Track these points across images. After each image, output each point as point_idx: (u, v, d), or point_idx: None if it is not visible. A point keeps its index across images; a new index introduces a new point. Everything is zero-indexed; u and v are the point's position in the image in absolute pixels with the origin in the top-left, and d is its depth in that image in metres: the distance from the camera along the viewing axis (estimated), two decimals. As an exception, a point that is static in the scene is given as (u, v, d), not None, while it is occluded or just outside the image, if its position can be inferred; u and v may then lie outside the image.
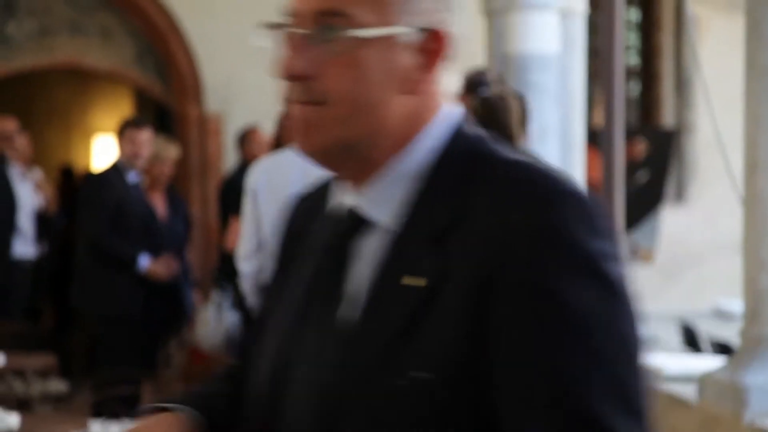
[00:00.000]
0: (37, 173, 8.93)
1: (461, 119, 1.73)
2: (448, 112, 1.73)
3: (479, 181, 1.63)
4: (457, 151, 1.68)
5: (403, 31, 1.67)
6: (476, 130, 1.72)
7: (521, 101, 5.47)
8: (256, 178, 5.26)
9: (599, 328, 1.54)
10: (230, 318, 7.75)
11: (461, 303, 1.56)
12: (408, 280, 1.60)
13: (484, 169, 1.64)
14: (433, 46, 1.70)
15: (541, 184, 1.60)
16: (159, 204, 7.98)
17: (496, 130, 5.22)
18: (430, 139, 1.70)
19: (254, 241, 5.24)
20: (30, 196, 8.80)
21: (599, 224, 1.58)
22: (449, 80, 1.75)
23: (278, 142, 6.96)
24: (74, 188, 12.70)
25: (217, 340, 7.66)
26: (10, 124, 8.82)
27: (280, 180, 5.16)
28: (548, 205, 1.56)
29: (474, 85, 6.25)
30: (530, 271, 1.53)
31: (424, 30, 1.69)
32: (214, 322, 7.52)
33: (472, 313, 1.55)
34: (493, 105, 5.43)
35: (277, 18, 1.83)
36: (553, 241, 1.54)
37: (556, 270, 1.53)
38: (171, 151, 7.93)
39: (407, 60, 1.68)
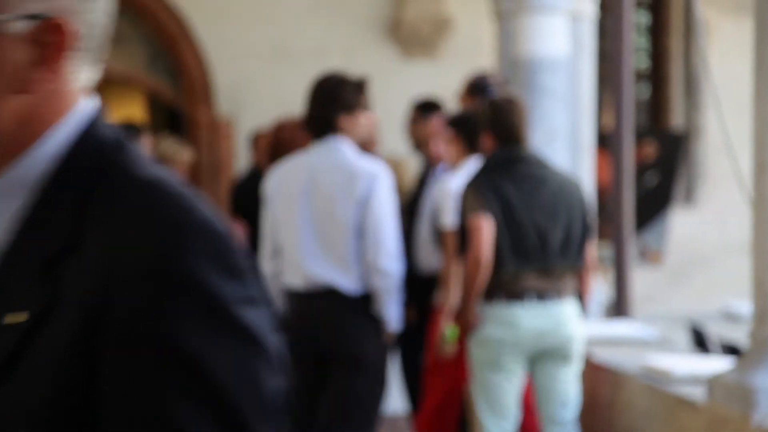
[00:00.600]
0: None
1: (95, 122, 1.47)
2: (80, 114, 1.47)
3: (99, 201, 1.39)
4: (82, 160, 1.43)
5: (7, 18, 1.39)
6: (115, 134, 1.47)
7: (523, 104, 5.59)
8: (270, 184, 5.36)
9: (226, 379, 1.32)
10: None
11: (66, 349, 1.32)
12: (10, 318, 1.35)
13: (108, 186, 1.40)
14: (51, 37, 1.41)
15: (169, 214, 1.36)
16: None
17: (503, 132, 5.52)
18: (53, 144, 1.44)
19: (271, 246, 5.33)
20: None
21: (232, 263, 1.35)
22: (85, 76, 1.47)
23: (274, 150, 7.07)
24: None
25: None
26: None
27: (291, 185, 5.26)
28: (173, 240, 1.33)
29: (478, 88, 6.53)
30: (146, 317, 1.31)
31: (38, 18, 1.41)
32: None
33: (77, 361, 1.32)
34: (500, 107, 5.56)
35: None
36: (176, 284, 1.32)
37: (176, 317, 1.31)
38: (184, 155, 7.98)
39: (17, 54, 1.41)
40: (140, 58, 10.42)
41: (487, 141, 5.59)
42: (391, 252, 5.21)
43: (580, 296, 5.65)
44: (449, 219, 5.98)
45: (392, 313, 5.22)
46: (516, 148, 5.52)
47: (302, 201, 5.26)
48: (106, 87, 18.37)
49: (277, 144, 7.58)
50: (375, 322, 5.23)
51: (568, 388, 5.48)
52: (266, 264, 5.35)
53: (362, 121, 5.31)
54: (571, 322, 5.41)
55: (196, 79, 10.21)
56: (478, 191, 5.39)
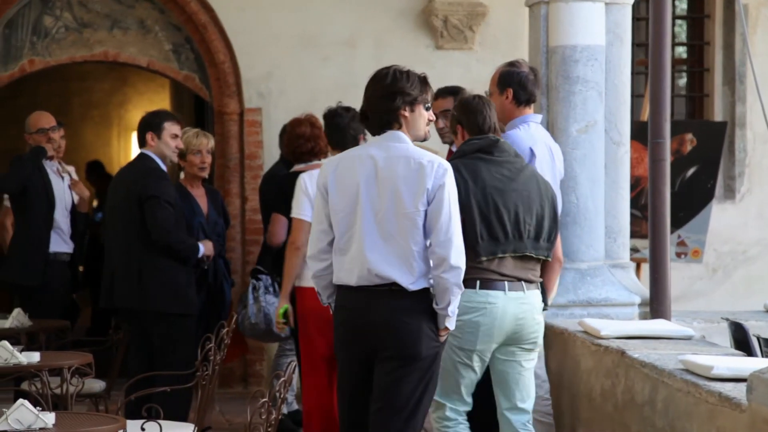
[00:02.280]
0: (71, 169, 8.87)
1: None
2: None
3: None
4: None
5: None
6: None
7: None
8: (327, 177, 5.27)
9: None
10: (268, 300, 7.98)
11: None
12: None
13: None
14: None
15: None
16: (200, 199, 7.94)
17: (473, 126, 5.94)
18: None
19: (325, 239, 5.28)
20: (65, 192, 8.74)
21: None
22: None
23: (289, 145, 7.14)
24: (107, 182, 12.68)
25: (254, 324, 8.04)
26: (50, 119, 8.77)
27: (352, 178, 5.20)
28: None
29: (452, 91, 7.13)
30: None
31: None
32: (251, 306, 7.96)
33: None
34: (467, 104, 6.00)
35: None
36: None
37: None
38: (202, 142, 7.88)
39: None
40: (166, 48, 10.32)
41: (460, 136, 6.00)
42: (458, 247, 5.15)
43: (545, 290, 5.93)
44: None
45: (454, 308, 5.20)
46: (489, 138, 5.85)
47: (365, 194, 5.18)
48: (131, 76, 18.52)
49: (293, 139, 7.51)
50: (431, 317, 5.21)
51: (530, 376, 5.80)
52: (316, 259, 5.33)
53: (423, 114, 5.27)
54: (539, 311, 5.71)
55: (224, 69, 10.13)
56: (457, 175, 5.46)
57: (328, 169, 5.28)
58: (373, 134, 5.29)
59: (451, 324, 5.24)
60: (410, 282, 5.15)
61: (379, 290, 5.15)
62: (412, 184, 5.13)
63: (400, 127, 5.21)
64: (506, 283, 5.72)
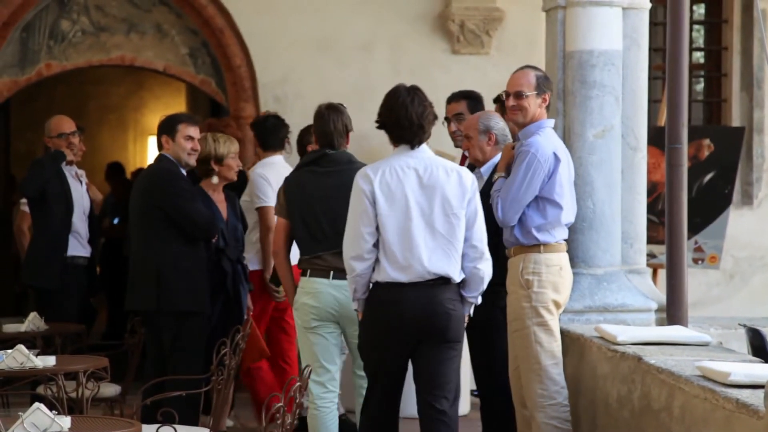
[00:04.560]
0: (82, 173, 8.89)
1: None
2: None
3: None
4: None
5: None
6: None
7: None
8: (373, 184, 5.94)
9: None
10: None
11: None
12: None
13: None
14: None
15: None
16: (221, 204, 7.93)
17: (319, 135, 6.85)
18: None
19: (371, 241, 5.94)
20: (83, 196, 8.76)
21: None
22: None
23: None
24: (125, 185, 12.70)
25: None
26: (71, 124, 8.81)
27: (399, 185, 5.93)
28: None
29: (465, 95, 7.68)
30: None
31: None
32: None
33: None
34: (316, 114, 6.89)
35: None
36: None
37: None
38: (235, 144, 7.87)
39: None
40: (182, 52, 10.33)
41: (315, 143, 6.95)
42: (486, 240, 6.04)
43: None
44: None
45: (480, 298, 6.09)
46: (325, 149, 6.77)
47: (414, 198, 5.92)
48: (148, 80, 18.54)
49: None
50: (462, 304, 6.03)
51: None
52: (360, 259, 5.95)
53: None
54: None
55: (241, 73, 10.14)
56: (283, 187, 6.84)
57: (373, 178, 5.94)
58: (404, 144, 6.02)
59: (471, 310, 6.11)
60: (457, 275, 5.94)
61: (433, 284, 5.90)
62: (457, 189, 5.93)
63: (426, 140, 6.05)
64: (331, 272, 6.62)
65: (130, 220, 7.78)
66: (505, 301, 6.63)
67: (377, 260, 5.96)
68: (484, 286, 6.04)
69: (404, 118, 5.97)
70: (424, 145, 6.02)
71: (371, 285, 6.00)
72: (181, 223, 7.34)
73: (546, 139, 6.48)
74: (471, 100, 8.10)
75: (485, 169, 6.92)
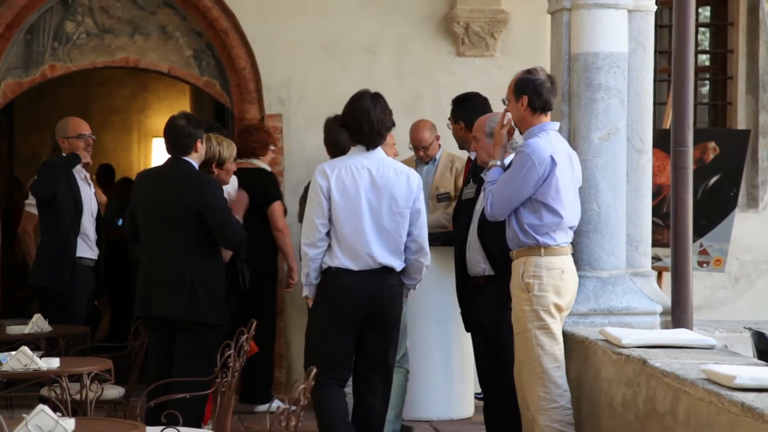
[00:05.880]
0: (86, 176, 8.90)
1: None
2: None
3: None
4: None
5: None
6: None
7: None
8: (329, 181, 6.64)
9: None
10: None
11: None
12: None
13: None
14: None
15: None
16: (231, 205, 7.91)
17: (336, 146, 7.62)
18: None
19: (324, 230, 6.66)
20: (91, 199, 8.76)
21: None
22: None
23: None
24: (124, 187, 12.70)
25: None
26: (87, 126, 8.84)
27: (352, 182, 6.62)
28: None
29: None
30: None
31: None
32: None
33: None
34: (330, 126, 7.90)
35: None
36: None
37: None
38: (224, 152, 7.84)
39: None
40: (187, 54, 10.33)
41: None
42: (426, 236, 6.83)
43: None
44: None
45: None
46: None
47: (365, 196, 6.63)
48: (152, 82, 18.54)
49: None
50: (402, 290, 6.86)
51: None
52: (314, 246, 6.66)
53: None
54: None
55: (245, 76, 10.13)
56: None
57: (328, 175, 6.64)
58: (366, 146, 6.69)
59: (408, 296, 7.00)
60: (400, 265, 6.75)
61: (377, 272, 6.68)
62: (404, 188, 6.68)
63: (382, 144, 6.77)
64: None
65: (147, 224, 7.41)
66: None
67: (330, 247, 6.67)
68: (422, 275, 6.87)
69: (365, 123, 6.63)
70: (378, 147, 6.71)
71: (323, 271, 6.71)
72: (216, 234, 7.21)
73: (546, 142, 6.47)
74: (456, 105, 8.12)
75: None
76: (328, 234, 6.67)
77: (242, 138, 9.28)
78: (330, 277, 6.70)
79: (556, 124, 6.67)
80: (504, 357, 6.74)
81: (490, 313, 6.85)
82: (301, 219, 8.28)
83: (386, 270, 6.69)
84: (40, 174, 8.57)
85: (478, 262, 6.96)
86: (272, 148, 9.31)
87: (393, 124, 6.82)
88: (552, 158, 6.41)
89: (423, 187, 6.94)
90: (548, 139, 6.50)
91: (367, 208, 6.62)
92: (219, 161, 7.72)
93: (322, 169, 6.69)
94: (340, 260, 6.66)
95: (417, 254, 6.78)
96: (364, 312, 6.68)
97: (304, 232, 6.75)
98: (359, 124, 6.66)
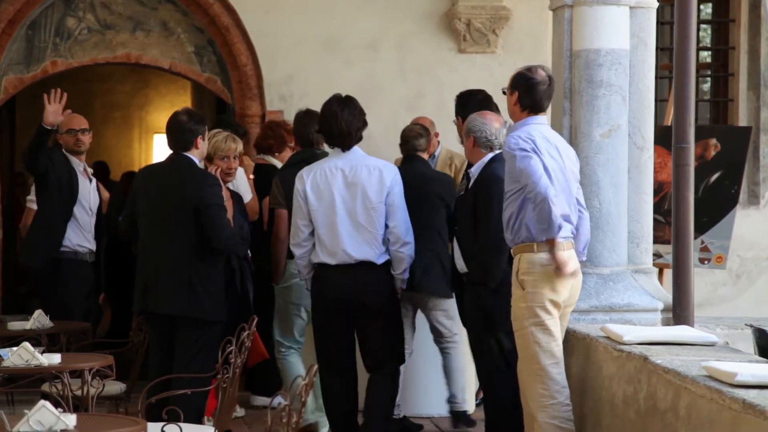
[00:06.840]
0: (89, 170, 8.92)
1: None
2: None
3: None
4: None
5: None
6: None
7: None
8: (305, 183, 7.08)
9: None
10: None
11: None
12: None
13: None
14: None
15: None
16: (227, 203, 7.87)
17: (304, 138, 8.05)
18: None
19: (306, 231, 7.14)
20: (91, 193, 8.76)
21: None
22: None
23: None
24: (122, 184, 12.69)
25: None
26: (81, 121, 8.87)
27: (326, 183, 7.04)
28: None
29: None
30: None
31: None
32: None
33: None
34: (298, 118, 8.17)
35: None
36: None
37: None
38: (231, 147, 7.81)
39: None
40: (189, 50, 10.32)
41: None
42: (409, 227, 7.12)
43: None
44: None
45: (406, 273, 7.19)
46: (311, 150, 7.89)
47: (339, 195, 7.02)
48: (153, 78, 18.48)
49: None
50: (391, 281, 7.18)
51: None
52: (300, 245, 7.15)
53: None
54: None
55: (247, 72, 10.13)
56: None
57: (305, 178, 7.08)
58: (341, 148, 7.08)
59: (404, 285, 7.24)
60: (378, 259, 7.07)
61: (357, 266, 7.05)
62: (376, 184, 7.01)
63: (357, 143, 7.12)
64: None
65: (147, 220, 7.33)
66: (485, 300, 6.79)
67: (314, 245, 7.12)
68: (406, 265, 7.13)
69: (335, 125, 7.04)
70: (355, 147, 7.08)
71: (313, 267, 7.16)
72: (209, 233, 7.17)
73: (523, 132, 6.28)
74: (458, 101, 8.10)
75: (474, 170, 6.97)
76: (312, 233, 7.13)
77: (262, 133, 9.27)
78: (317, 272, 7.18)
79: (542, 118, 6.52)
80: (487, 351, 6.84)
81: (468, 311, 7.03)
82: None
83: (365, 264, 7.05)
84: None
85: (458, 259, 7.16)
86: (290, 145, 9.14)
87: (365, 124, 7.12)
88: (533, 142, 6.23)
89: None
90: (527, 131, 6.32)
91: (342, 207, 7.02)
92: (207, 155, 7.67)
93: (300, 175, 7.15)
94: (320, 257, 7.11)
95: (396, 245, 7.07)
96: (346, 304, 7.09)
97: (291, 233, 7.26)
98: (330, 127, 7.08)
